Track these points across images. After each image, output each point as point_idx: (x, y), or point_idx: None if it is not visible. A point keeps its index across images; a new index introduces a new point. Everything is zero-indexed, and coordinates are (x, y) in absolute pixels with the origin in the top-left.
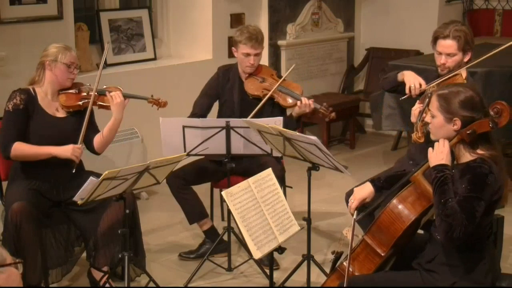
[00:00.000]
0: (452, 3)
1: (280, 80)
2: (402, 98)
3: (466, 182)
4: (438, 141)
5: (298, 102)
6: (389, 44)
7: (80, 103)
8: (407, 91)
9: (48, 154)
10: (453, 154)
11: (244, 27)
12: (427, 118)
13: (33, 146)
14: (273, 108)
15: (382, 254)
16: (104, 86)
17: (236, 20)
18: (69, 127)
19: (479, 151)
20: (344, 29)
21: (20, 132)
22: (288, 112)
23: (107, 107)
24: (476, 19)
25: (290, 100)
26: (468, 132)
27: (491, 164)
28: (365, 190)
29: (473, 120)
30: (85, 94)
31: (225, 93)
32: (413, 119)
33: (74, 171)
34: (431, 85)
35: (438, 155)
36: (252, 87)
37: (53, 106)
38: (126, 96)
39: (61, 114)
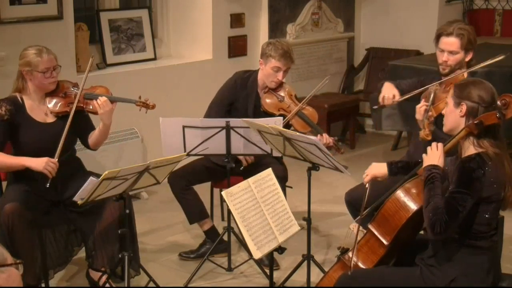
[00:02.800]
0: (452, 3)
1: (300, 105)
2: (374, 107)
3: (455, 178)
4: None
5: (319, 136)
6: (389, 44)
7: (68, 109)
8: (380, 100)
9: (21, 166)
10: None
11: (275, 42)
12: (443, 111)
13: (7, 156)
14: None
15: (386, 243)
16: (93, 89)
17: (236, 20)
18: (60, 131)
19: (484, 146)
20: (344, 29)
21: (1, 143)
22: None
23: (95, 113)
24: (476, 19)
25: (306, 127)
26: (476, 122)
27: (485, 161)
28: (381, 169)
29: (478, 109)
30: (72, 98)
31: (239, 100)
32: (418, 116)
33: (48, 186)
34: (434, 84)
35: (430, 157)
36: (269, 103)
37: (42, 112)
38: (113, 100)
39: (50, 118)
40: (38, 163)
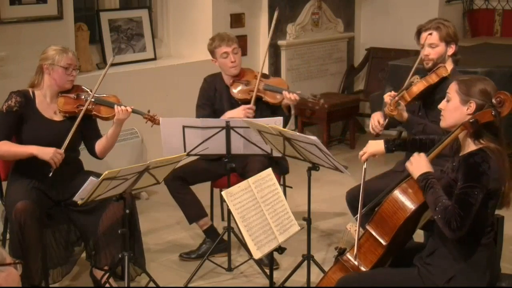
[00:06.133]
0: (452, 3)
1: (259, 78)
2: (374, 137)
3: (461, 175)
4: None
5: (283, 93)
6: (389, 44)
7: (77, 110)
8: (371, 131)
9: (29, 154)
10: (456, 146)
11: (212, 36)
12: (441, 105)
13: (15, 145)
14: (262, 108)
15: (384, 244)
16: (104, 95)
17: (236, 20)
18: (65, 130)
19: (484, 142)
20: (344, 29)
21: (8, 133)
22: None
23: (104, 118)
24: (476, 19)
25: (277, 96)
26: (471, 121)
27: (488, 155)
28: (378, 147)
29: (486, 108)
30: (83, 100)
31: (216, 102)
32: (387, 99)
33: (50, 175)
34: (415, 77)
35: (417, 166)
36: (238, 92)
37: (51, 109)
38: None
39: (58, 117)
40: (45, 152)
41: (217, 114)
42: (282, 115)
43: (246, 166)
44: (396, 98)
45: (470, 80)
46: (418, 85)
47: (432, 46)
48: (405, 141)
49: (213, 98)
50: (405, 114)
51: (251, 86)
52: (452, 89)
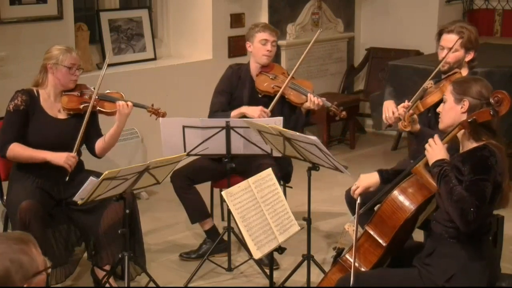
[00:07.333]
0: (452, 3)
1: (290, 76)
2: (386, 128)
3: (470, 167)
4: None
5: (309, 95)
6: (389, 44)
7: (81, 106)
8: (384, 121)
9: (42, 159)
10: (456, 143)
11: (255, 23)
12: (439, 108)
13: (29, 148)
14: (283, 105)
15: (384, 245)
16: (107, 91)
17: (236, 20)
18: (69, 129)
19: (484, 140)
20: (344, 29)
21: (19, 132)
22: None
23: (107, 113)
24: (476, 19)
25: (302, 97)
26: (469, 120)
27: (493, 149)
28: (372, 179)
29: (482, 106)
30: (86, 97)
31: (236, 90)
32: (401, 111)
33: (67, 179)
34: (429, 82)
35: (434, 153)
36: (263, 84)
37: (55, 108)
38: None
39: (62, 115)
40: (58, 157)
41: (234, 101)
42: (301, 116)
43: (258, 168)
44: (411, 111)
45: (464, 80)
46: (433, 97)
47: (452, 50)
48: (399, 171)
49: (234, 86)
50: (417, 126)
51: (276, 81)
52: (448, 91)
